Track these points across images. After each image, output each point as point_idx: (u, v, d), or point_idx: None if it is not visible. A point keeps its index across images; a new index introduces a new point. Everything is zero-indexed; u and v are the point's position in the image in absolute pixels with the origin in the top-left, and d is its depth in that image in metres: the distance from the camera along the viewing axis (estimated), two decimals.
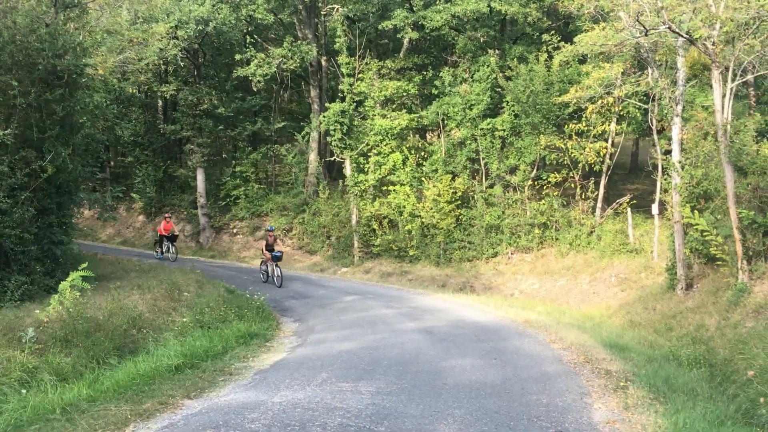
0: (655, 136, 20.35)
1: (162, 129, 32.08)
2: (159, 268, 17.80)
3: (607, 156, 22.88)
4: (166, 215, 26.42)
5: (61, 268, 13.38)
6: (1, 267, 12.51)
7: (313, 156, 30.18)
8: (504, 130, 24.67)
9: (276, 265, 20.06)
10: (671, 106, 16.65)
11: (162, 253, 25.29)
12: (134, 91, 32.95)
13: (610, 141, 22.90)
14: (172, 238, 25.34)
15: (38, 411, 6.82)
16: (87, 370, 8.81)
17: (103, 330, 10.15)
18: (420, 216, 24.95)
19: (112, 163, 36.34)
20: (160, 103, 34.89)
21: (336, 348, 10.65)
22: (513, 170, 24.54)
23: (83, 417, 6.66)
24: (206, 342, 10.54)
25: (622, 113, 22.48)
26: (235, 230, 31.07)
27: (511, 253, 23.78)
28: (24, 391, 7.58)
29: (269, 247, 20.57)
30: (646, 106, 20.55)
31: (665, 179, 16.95)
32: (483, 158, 25.12)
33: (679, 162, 16.21)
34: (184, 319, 12.32)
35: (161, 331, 11.43)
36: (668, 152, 17.98)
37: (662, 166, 19.35)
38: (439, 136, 27.38)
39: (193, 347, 10.05)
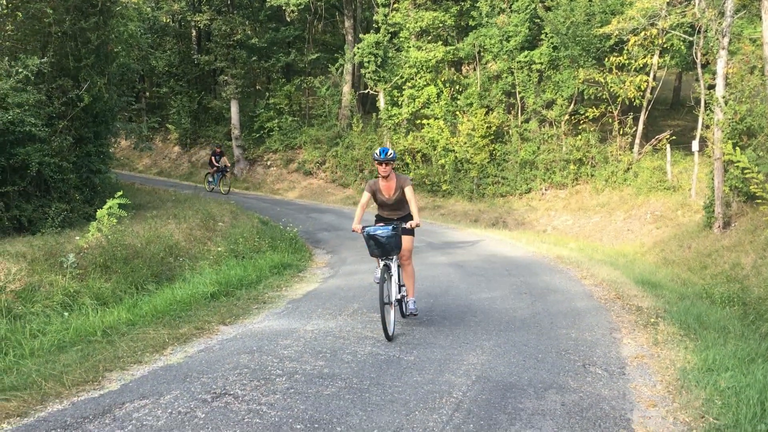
0: (699, 70, 19.67)
1: (196, 59, 31.99)
2: (194, 199, 18.05)
3: (648, 90, 22.25)
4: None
5: (100, 196, 13.64)
6: (42, 194, 12.80)
7: (346, 88, 29.91)
8: (542, 63, 24.08)
9: None
10: (717, 39, 16.00)
11: None
12: (168, 20, 32.77)
13: (651, 75, 22.22)
14: None
15: (80, 333, 7.06)
16: (126, 295, 9.06)
17: (141, 257, 10.39)
18: (454, 150, 24.76)
19: (147, 93, 36.50)
20: (194, 33, 34.69)
21: (367, 279, 10.78)
22: (549, 105, 24.07)
23: (123, 339, 6.89)
24: (240, 271, 10.74)
25: (665, 46, 21.71)
26: (268, 162, 31.24)
27: (545, 189, 23.57)
28: (66, 313, 7.84)
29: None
30: (691, 39, 19.79)
31: (707, 115, 16.48)
32: (519, 92, 24.64)
33: (723, 97, 15.69)
34: (219, 249, 12.54)
35: (197, 259, 11.66)
36: (712, 87, 17.40)
37: (705, 101, 18.78)
38: (474, 69, 26.87)
39: (228, 276, 10.25)
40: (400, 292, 7.53)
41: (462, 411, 4.95)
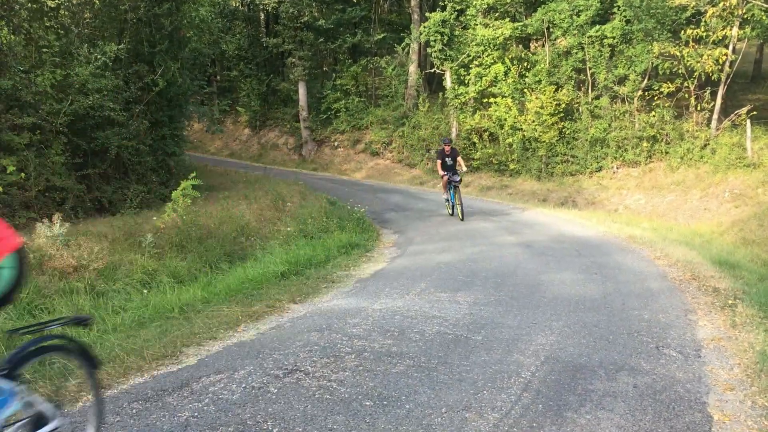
0: None
1: (264, 42, 32.47)
2: (264, 180, 18.40)
3: (727, 64, 21.29)
4: None
5: (175, 178, 14.12)
6: (121, 177, 13.32)
7: (413, 68, 29.80)
8: (614, 38, 23.36)
9: None
10: None
11: None
12: (237, 4, 33.29)
13: (731, 47, 21.24)
14: None
15: (159, 309, 7.34)
16: (201, 273, 9.36)
17: (214, 237, 10.70)
18: (521, 129, 24.38)
19: (218, 77, 37.33)
20: (262, 16, 35.17)
21: (434, 259, 10.80)
22: (622, 80, 23.36)
23: (199, 316, 7.13)
24: (309, 251, 10.92)
25: (746, 16, 20.69)
26: (336, 143, 31.52)
27: (617, 168, 22.97)
28: (145, 291, 8.17)
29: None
30: None
31: None
32: (590, 68, 24.00)
33: None
34: (289, 229, 12.78)
35: (267, 239, 11.92)
36: None
37: None
38: (543, 46, 26.30)
39: (297, 255, 10.44)
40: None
41: (531, 391, 4.93)
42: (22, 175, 10.96)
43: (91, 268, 8.47)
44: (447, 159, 15.76)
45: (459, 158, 15.92)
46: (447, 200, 16.38)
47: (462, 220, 15.28)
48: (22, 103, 11.73)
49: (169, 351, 5.89)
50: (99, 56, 12.07)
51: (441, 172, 15.80)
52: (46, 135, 11.90)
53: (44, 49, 12.20)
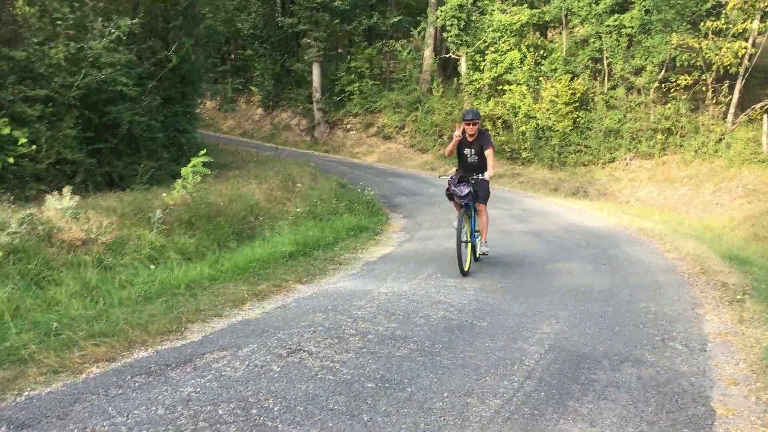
0: None
1: (280, 22, 32.29)
2: (275, 160, 18.37)
3: (746, 57, 21.02)
4: None
5: (186, 155, 14.11)
6: (132, 152, 13.33)
7: (428, 52, 29.61)
8: (632, 28, 23.10)
9: None
10: None
11: None
12: None
13: (751, 41, 20.96)
14: None
15: (165, 285, 7.35)
16: (208, 251, 9.35)
17: (224, 215, 10.69)
18: (535, 117, 24.22)
19: (232, 55, 37.19)
20: None
21: (443, 245, 10.76)
22: (638, 71, 23.13)
23: (205, 293, 7.14)
24: (318, 232, 10.91)
25: (767, 9, 20.40)
26: (348, 126, 31.42)
27: (630, 159, 22.81)
28: (152, 266, 8.17)
29: None
30: None
31: None
32: (607, 58, 23.77)
33: None
34: (298, 210, 12.77)
35: (276, 219, 11.91)
36: None
37: None
38: (560, 33, 26.07)
39: (306, 236, 10.43)
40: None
41: (534, 379, 4.92)
42: (34, 147, 10.97)
43: (100, 241, 8.48)
44: (467, 151, 8.71)
45: (489, 152, 8.60)
46: (457, 229, 8.27)
47: (466, 273, 8.35)
48: (35, 75, 11.72)
49: (174, 327, 5.91)
50: (113, 30, 12.04)
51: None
52: (59, 108, 11.89)
53: (59, 22, 12.17)
